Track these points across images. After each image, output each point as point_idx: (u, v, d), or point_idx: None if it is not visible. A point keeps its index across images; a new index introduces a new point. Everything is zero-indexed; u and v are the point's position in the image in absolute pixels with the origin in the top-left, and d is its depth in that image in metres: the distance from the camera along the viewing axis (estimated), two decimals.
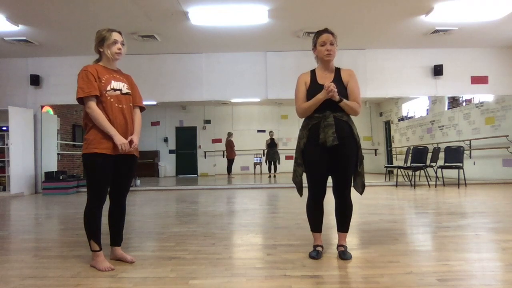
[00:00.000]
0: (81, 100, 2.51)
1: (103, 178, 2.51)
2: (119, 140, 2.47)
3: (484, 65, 8.45)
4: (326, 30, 2.70)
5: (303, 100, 2.69)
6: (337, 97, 2.56)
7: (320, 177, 2.67)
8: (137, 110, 2.72)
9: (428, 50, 8.42)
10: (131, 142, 2.56)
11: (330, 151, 2.60)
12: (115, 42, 2.56)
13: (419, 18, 6.59)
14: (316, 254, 2.66)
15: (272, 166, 12.38)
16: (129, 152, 2.57)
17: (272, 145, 12.36)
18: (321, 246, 2.75)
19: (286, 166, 13.36)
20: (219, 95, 8.73)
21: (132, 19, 6.38)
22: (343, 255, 2.62)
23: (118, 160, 2.55)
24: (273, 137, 12.51)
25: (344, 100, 2.60)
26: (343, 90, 2.64)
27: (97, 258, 2.49)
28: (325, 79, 2.68)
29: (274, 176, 12.06)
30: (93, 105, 2.47)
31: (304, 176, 2.75)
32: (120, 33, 2.62)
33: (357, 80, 2.72)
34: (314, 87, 2.67)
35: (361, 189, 2.75)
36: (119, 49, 2.58)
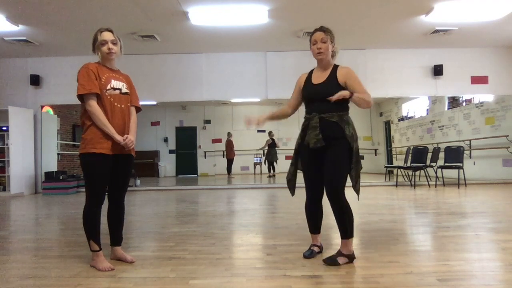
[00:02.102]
0: (81, 97, 2.50)
1: (101, 178, 2.51)
2: (117, 139, 2.48)
3: (484, 65, 8.45)
4: (318, 29, 2.65)
5: (291, 101, 2.81)
6: (335, 99, 2.48)
7: (312, 177, 2.65)
8: (133, 110, 2.72)
9: (428, 50, 8.42)
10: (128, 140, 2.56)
11: (320, 152, 2.56)
12: (104, 42, 2.54)
13: (419, 18, 6.58)
14: (309, 253, 2.65)
15: (271, 166, 12.41)
16: (127, 152, 2.58)
17: (273, 145, 12.41)
18: (317, 246, 2.73)
19: (287, 166, 13.34)
20: (219, 95, 8.72)
21: (132, 19, 6.38)
22: (327, 259, 2.49)
23: (115, 160, 2.55)
24: (273, 137, 12.55)
25: (338, 94, 2.47)
26: (334, 88, 2.53)
27: (97, 258, 2.49)
28: (319, 78, 2.65)
29: (274, 176, 12.08)
30: (93, 103, 2.46)
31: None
32: (111, 31, 2.59)
33: (356, 76, 2.62)
34: (307, 86, 2.68)
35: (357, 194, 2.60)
36: (109, 48, 2.55)
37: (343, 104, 2.58)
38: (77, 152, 11.71)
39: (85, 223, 2.52)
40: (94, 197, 2.51)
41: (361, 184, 2.65)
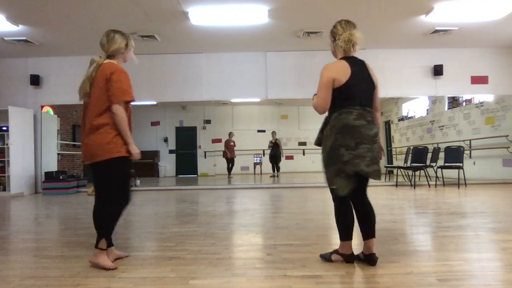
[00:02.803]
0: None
1: (129, 179, 2.67)
2: (134, 149, 2.58)
3: (484, 65, 8.45)
4: None
5: None
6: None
7: None
8: None
9: (428, 50, 8.42)
10: None
11: None
12: (133, 49, 2.74)
13: (419, 18, 6.58)
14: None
15: (275, 166, 12.40)
16: None
17: (276, 145, 12.43)
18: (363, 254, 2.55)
19: (288, 166, 13.34)
20: (219, 95, 8.72)
21: (132, 19, 6.38)
22: (323, 254, 2.60)
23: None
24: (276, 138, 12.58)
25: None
26: None
27: (103, 256, 2.50)
28: None
29: (277, 176, 12.08)
30: (123, 110, 2.53)
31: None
32: None
33: (321, 74, 2.48)
34: None
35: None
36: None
37: (332, 102, 2.46)
38: (77, 152, 11.59)
39: (107, 221, 2.56)
40: (119, 196, 2.59)
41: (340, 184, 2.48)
